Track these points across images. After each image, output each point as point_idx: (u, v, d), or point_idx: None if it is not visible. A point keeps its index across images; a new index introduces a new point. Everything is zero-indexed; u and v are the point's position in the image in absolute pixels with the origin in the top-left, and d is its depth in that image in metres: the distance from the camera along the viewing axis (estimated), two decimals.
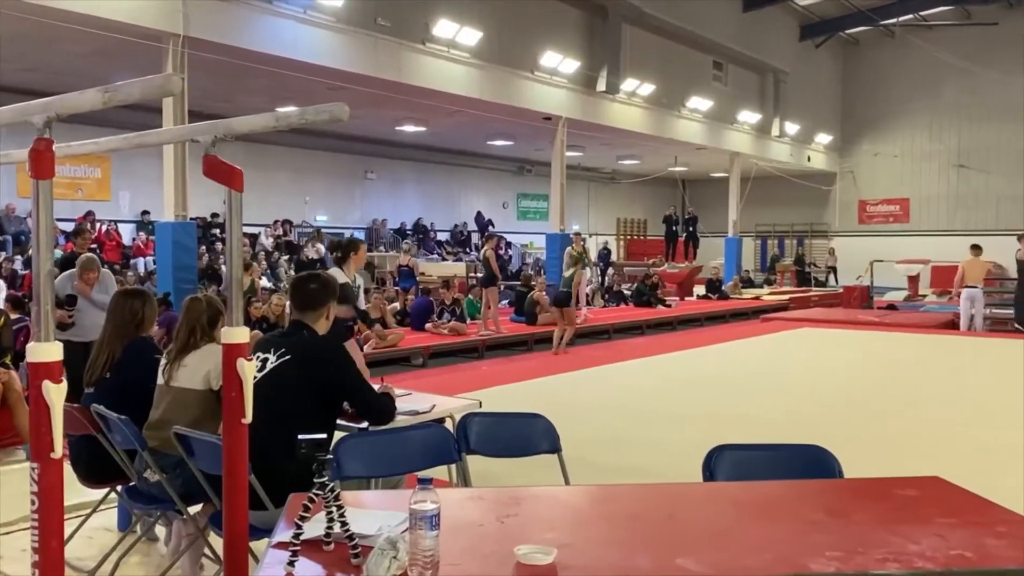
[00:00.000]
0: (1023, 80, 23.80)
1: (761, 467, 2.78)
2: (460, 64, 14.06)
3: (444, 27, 13.56)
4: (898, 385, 8.79)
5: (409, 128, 17.91)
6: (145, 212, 15.99)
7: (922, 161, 26.32)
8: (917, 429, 6.57)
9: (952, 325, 14.11)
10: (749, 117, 22.39)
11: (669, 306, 17.54)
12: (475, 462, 3.17)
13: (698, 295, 20.33)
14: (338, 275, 5.84)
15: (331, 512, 1.85)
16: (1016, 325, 13.49)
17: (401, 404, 3.52)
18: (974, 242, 14.24)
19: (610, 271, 23.02)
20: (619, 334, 14.21)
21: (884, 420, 6.88)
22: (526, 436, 3.27)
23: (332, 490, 1.83)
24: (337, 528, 1.84)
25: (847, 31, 26.28)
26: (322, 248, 17.58)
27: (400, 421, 3.31)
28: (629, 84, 17.78)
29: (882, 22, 24.58)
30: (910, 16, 24.55)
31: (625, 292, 19.09)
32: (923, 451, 5.80)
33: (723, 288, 20.03)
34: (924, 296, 19.43)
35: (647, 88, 18.21)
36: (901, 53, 26.04)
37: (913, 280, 20.33)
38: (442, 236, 22.65)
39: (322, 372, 2.93)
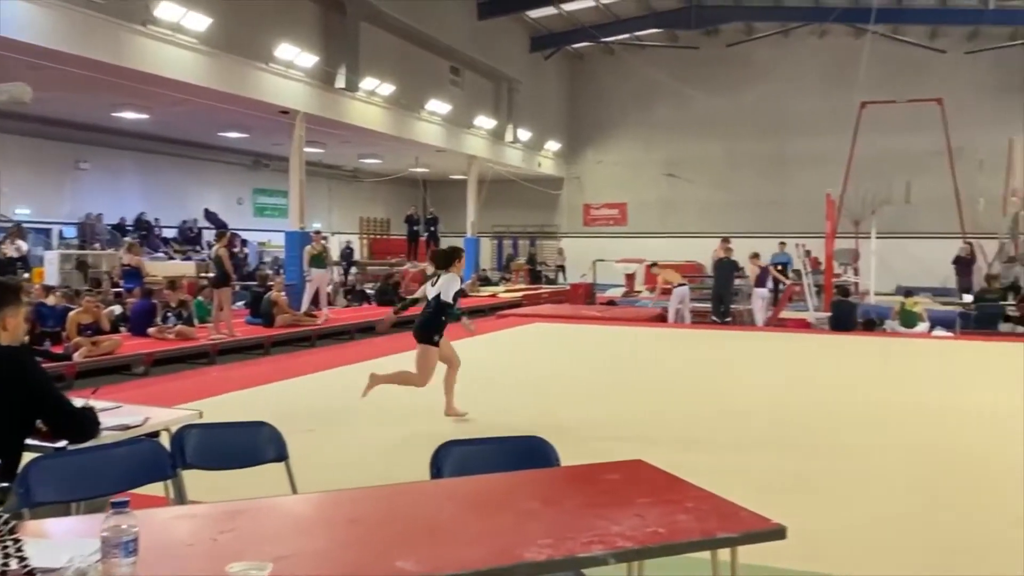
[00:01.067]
0: (721, 100, 26.87)
1: (486, 461, 2.88)
2: (187, 50, 13.16)
3: (168, 9, 12.62)
4: (615, 374, 9.53)
5: (129, 115, 16.46)
6: None
7: (638, 169, 28.83)
8: (628, 414, 7.16)
9: (662, 318, 15.59)
10: (485, 122, 23.19)
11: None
12: (205, 477, 2.98)
13: None
14: (453, 282, 6.56)
15: (6, 546, 1.64)
16: (713, 317, 15.21)
17: (107, 418, 3.21)
18: (652, 260, 16.00)
19: (353, 270, 22.79)
20: (362, 334, 14.09)
21: (602, 407, 7.42)
22: (250, 445, 3.12)
23: (6, 522, 1.63)
24: (14, 564, 1.63)
25: (573, 46, 28.13)
26: (23, 245, 15.68)
27: (105, 437, 3.02)
28: (368, 83, 17.69)
29: (602, 39, 26.58)
30: (627, 35, 26.83)
31: (368, 291, 18.98)
32: (633, 434, 6.33)
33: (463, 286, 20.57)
34: (639, 292, 21.24)
35: (387, 88, 18.23)
36: (620, 70, 28.35)
37: (630, 278, 22.17)
38: (169, 233, 21.09)
39: (5, 387, 2.59)
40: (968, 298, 15.78)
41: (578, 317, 16.37)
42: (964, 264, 18.43)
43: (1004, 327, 14.35)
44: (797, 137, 26.23)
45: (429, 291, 6.69)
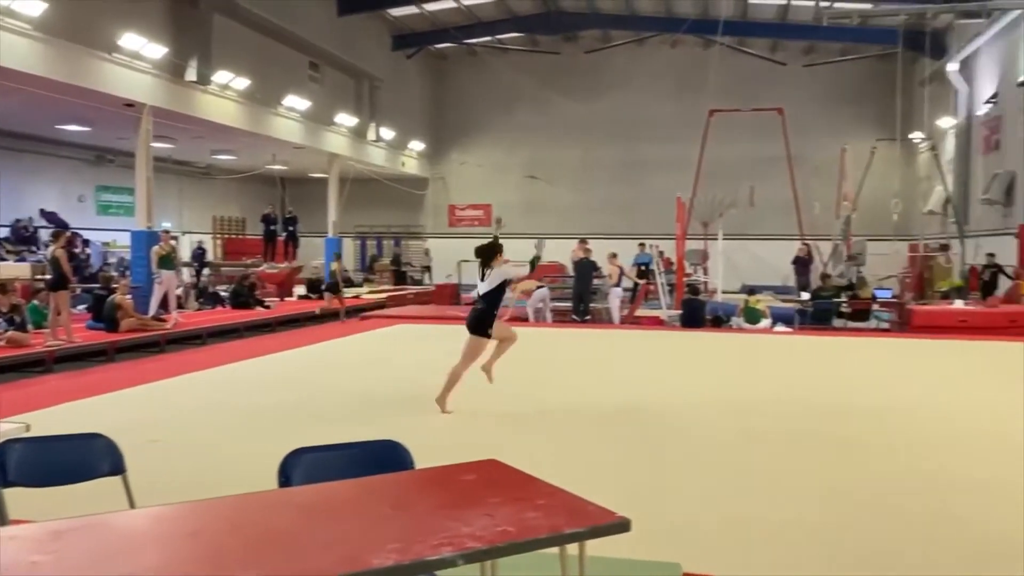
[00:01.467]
0: (580, 105, 27.57)
1: (337, 467, 2.81)
2: (19, 36, 12.23)
3: None
4: (473, 374, 9.54)
5: None
6: None
7: (501, 172, 29.16)
8: (486, 411, 7.19)
9: (524, 318, 15.78)
10: (346, 120, 22.81)
11: (268, 307, 17.18)
12: (35, 496, 2.77)
13: (299, 295, 20.21)
14: (505, 272, 7.00)
15: None
16: (573, 316, 15.57)
17: None
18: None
19: (205, 271, 21.85)
20: (214, 338, 13.56)
21: (461, 406, 7.42)
22: (82, 459, 2.92)
23: None
24: None
25: (436, 46, 28.12)
26: None
27: None
28: (222, 76, 17.02)
29: (465, 41, 26.71)
30: (489, 38, 27.08)
31: (222, 294, 18.28)
32: (492, 432, 6.37)
33: (323, 288, 20.15)
34: None
35: (241, 82, 17.60)
36: (483, 72, 28.58)
37: None
38: (0, 232, 19.51)
39: None
40: (805, 296, 16.87)
41: (443, 318, 16.36)
42: (802, 264, 19.71)
43: (837, 322, 15.45)
44: (651, 142, 27.25)
45: (480, 287, 7.08)
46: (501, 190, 29.26)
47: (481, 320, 7.04)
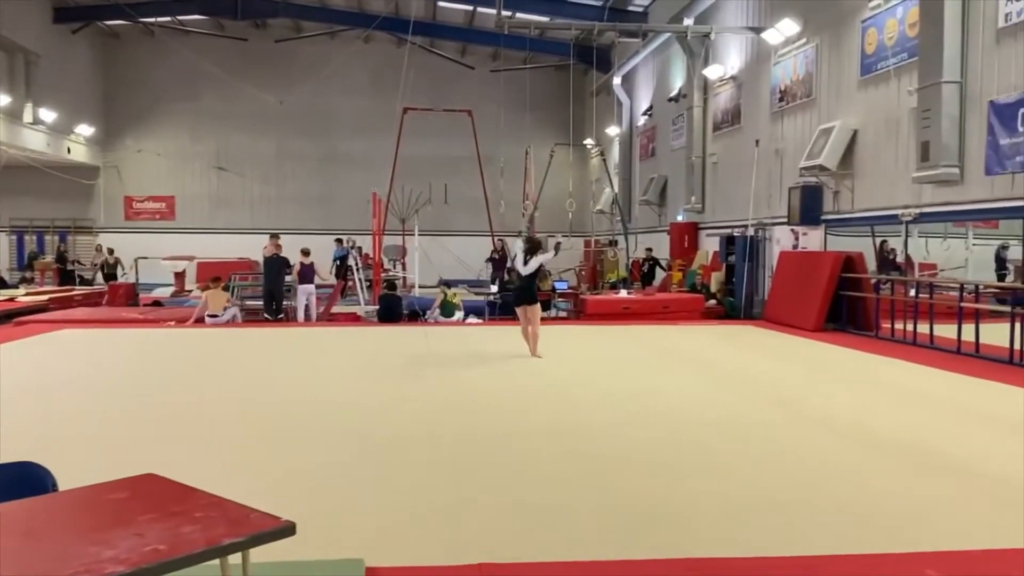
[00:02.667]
0: (271, 95, 26.62)
1: None
2: None
3: None
4: (138, 380, 8.86)
5: None
6: None
7: (186, 161, 27.33)
8: (151, 420, 6.65)
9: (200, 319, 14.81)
10: None
11: None
12: None
13: None
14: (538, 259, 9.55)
15: None
16: (266, 315, 15.03)
17: None
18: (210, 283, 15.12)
19: None
20: None
21: (118, 417, 6.82)
22: None
23: None
24: None
25: (106, 22, 25.60)
26: None
27: None
28: None
29: (140, 19, 24.64)
30: (168, 18, 25.22)
31: None
32: (153, 444, 5.86)
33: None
34: (191, 291, 20.12)
35: None
36: (162, 53, 26.53)
37: (179, 276, 20.91)
38: None
39: None
40: (494, 289, 17.82)
41: (118, 320, 14.95)
42: (496, 261, 20.85)
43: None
44: (346, 137, 27.15)
45: (521, 269, 9.55)
46: (186, 181, 27.46)
47: (522, 295, 9.68)
